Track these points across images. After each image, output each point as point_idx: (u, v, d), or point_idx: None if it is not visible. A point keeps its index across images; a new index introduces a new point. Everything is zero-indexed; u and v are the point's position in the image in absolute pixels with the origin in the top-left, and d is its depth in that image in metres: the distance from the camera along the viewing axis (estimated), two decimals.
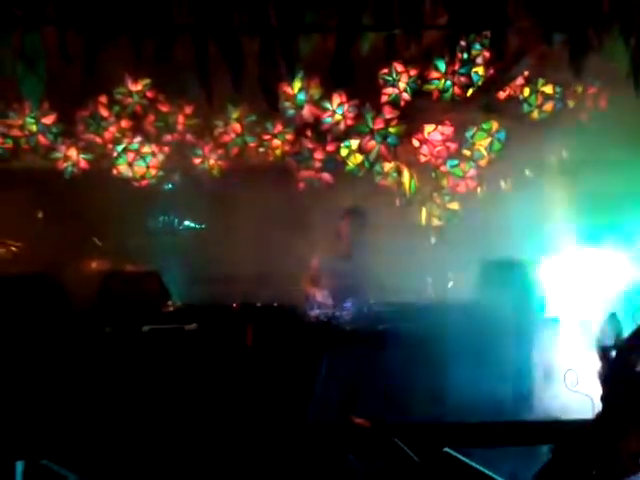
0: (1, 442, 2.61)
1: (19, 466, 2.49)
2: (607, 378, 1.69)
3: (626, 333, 1.82)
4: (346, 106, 5.13)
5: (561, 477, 1.57)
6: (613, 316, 2.26)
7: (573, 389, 3.42)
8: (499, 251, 4.39)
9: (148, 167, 5.12)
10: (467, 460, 2.08)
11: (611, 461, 1.48)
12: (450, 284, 5.51)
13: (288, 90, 5.09)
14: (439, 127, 5.17)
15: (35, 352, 3.28)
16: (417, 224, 5.34)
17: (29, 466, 2.50)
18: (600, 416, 1.60)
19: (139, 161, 5.11)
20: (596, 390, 1.78)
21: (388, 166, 5.24)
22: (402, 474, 2.04)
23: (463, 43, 4.16)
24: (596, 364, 1.92)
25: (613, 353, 1.80)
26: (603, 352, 1.93)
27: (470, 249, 4.82)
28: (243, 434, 3.00)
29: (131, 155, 5.10)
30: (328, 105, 5.13)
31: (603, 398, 1.64)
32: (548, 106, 5.29)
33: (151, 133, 5.15)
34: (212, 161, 5.18)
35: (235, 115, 5.15)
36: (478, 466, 2.08)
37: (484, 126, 5.19)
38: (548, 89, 5.27)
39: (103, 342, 3.38)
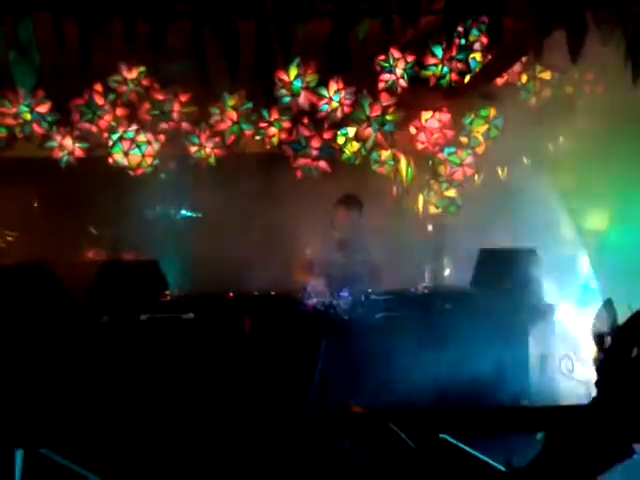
0: (0, 431, 2.62)
1: (18, 455, 2.49)
2: (602, 364, 1.70)
3: (621, 320, 1.83)
4: (343, 93, 5.09)
5: (556, 463, 1.58)
6: (609, 303, 2.27)
7: (569, 375, 3.45)
8: (496, 239, 4.39)
9: (144, 156, 5.09)
10: (464, 446, 2.09)
11: (605, 447, 1.48)
12: (447, 272, 5.53)
13: (284, 77, 5.06)
14: (436, 114, 5.14)
15: (33, 341, 3.28)
16: (414, 212, 5.33)
17: (28, 455, 2.51)
18: (595, 402, 1.61)
19: (134, 150, 5.08)
20: (591, 376, 1.79)
21: (385, 154, 5.22)
22: (398, 460, 2.05)
23: (460, 29, 4.13)
24: (592, 350, 1.92)
25: (609, 339, 1.81)
26: (599, 338, 1.94)
27: (467, 237, 4.82)
28: (241, 423, 3.01)
29: (126, 144, 5.07)
30: (325, 92, 5.10)
31: (598, 384, 1.65)
32: (546, 92, 5.27)
33: (146, 121, 5.12)
34: (208, 149, 5.16)
35: (231, 103, 5.11)
36: (474, 452, 2.09)
37: (481, 113, 5.16)
38: (546, 75, 5.24)
39: (100, 331, 3.38)
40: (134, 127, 5.07)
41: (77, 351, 3.31)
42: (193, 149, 5.16)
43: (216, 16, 2.85)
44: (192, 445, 2.89)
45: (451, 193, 5.25)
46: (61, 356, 3.28)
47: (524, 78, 5.25)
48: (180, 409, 3.19)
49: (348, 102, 5.11)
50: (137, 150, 5.08)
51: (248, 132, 5.15)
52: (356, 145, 5.17)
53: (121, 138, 5.06)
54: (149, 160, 5.10)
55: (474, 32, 4.84)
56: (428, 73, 5.13)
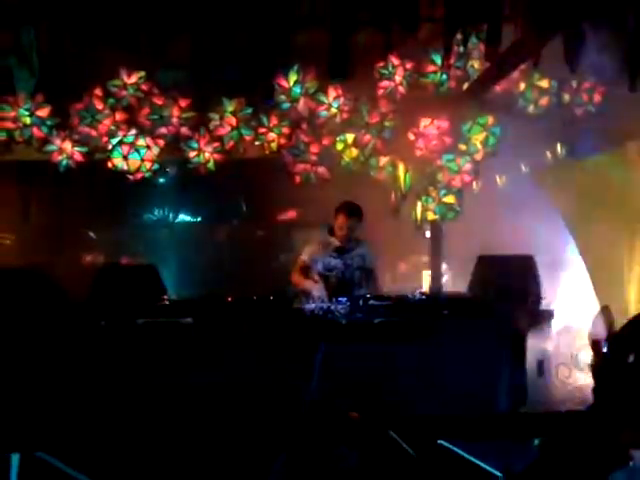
0: None
1: (14, 459, 2.48)
2: (599, 370, 1.71)
3: (618, 326, 1.83)
4: (342, 99, 5.11)
5: (554, 469, 1.59)
6: (606, 309, 2.28)
7: (565, 382, 3.45)
8: (494, 245, 4.41)
9: (143, 160, 5.10)
10: (461, 452, 2.09)
11: (602, 453, 1.49)
12: (445, 277, 5.54)
13: (283, 83, 5.08)
14: (435, 121, 5.16)
15: (30, 344, 3.27)
16: (412, 218, 5.35)
17: (25, 459, 2.50)
18: (592, 408, 1.61)
19: (133, 154, 5.09)
20: (588, 382, 1.80)
21: (383, 160, 5.23)
22: (396, 466, 2.05)
23: (459, 36, 4.15)
24: (589, 356, 1.93)
25: (606, 345, 1.81)
26: (596, 344, 1.94)
27: (465, 243, 4.83)
28: (239, 427, 3.00)
29: (125, 148, 5.08)
30: (324, 98, 5.12)
31: (595, 390, 1.66)
32: (544, 100, 5.30)
33: (146, 126, 5.13)
34: (207, 154, 5.17)
35: (230, 108, 5.13)
36: (472, 458, 2.10)
37: (479, 120, 5.19)
38: (544, 83, 5.27)
39: (98, 335, 3.38)
40: (133, 131, 5.09)
41: (74, 355, 3.30)
42: (192, 154, 5.17)
43: (217, 24, 2.88)
44: (189, 449, 2.88)
45: (449, 200, 5.26)
46: (58, 360, 3.27)
47: (522, 86, 5.28)
48: (177, 414, 3.18)
49: (347, 108, 5.13)
50: (136, 154, 5.09)
51: (247, 137, 5.17)
52: (355, 151, 5.18)
53: (120, 142, 5.07)
54: (148, 164, 5.12)
55: (473, 40, 4.86)
56: (427, 80, 5.16)
